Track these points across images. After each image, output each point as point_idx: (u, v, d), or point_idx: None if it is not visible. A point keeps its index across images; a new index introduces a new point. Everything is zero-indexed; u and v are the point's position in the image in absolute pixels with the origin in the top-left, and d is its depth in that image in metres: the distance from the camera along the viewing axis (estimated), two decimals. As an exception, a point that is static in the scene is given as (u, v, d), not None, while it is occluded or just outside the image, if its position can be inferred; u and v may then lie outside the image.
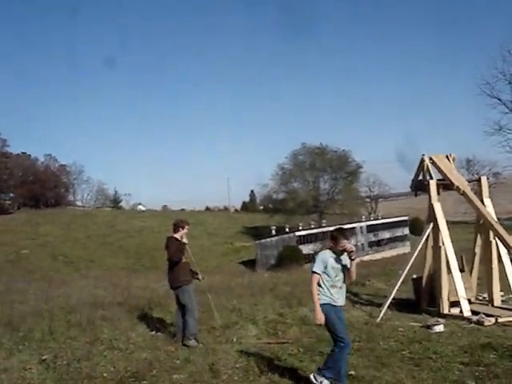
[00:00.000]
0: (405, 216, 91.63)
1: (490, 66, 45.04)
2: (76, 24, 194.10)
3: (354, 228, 78.59)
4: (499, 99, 44.90)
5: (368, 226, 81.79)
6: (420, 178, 13.08)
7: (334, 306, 6.84)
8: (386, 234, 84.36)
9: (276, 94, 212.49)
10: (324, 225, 77.82)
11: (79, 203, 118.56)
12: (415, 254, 12.54)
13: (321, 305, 6.75)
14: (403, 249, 77.29)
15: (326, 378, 6.71)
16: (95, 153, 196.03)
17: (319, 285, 6.80)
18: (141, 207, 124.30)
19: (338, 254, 6.87)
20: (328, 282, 6.80)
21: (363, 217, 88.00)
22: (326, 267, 6.80)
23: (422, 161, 12.90)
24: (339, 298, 6.91)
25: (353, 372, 7.28)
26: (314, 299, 6.76)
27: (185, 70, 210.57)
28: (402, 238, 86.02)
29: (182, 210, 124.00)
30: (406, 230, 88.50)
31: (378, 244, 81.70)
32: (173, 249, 9.70)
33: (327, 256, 6.88)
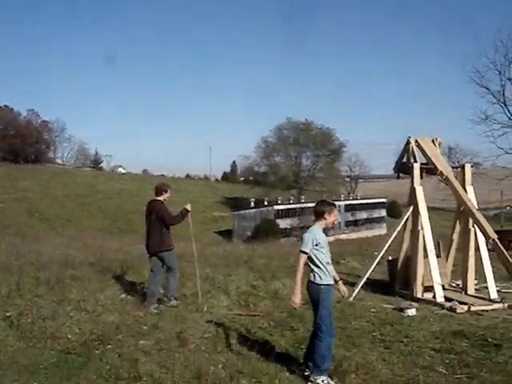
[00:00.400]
0: (383, 198, 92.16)
1: (481, 55, 44.83)
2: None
3: (333, 206, 78.87)
4: (488, 89, 44.82)
5: (346, 206, 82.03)
6: (404, 160, 12.96)
7: (331, 285, 6.41)
8: (364, 215, 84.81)
9: (266, 64, 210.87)
10: (303, 201, 77.94)
11: (59, 161, 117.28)
12: (393, 236, 12.48)
13: (323, 285, 6.25)
14: (379, 230, 77.84)
15: (325, 371, 6.26)
16: (78, 111, 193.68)
17: (316, 264, 6.25)
18: (121, 169, 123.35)
19: (325, 228, 6.52)
20: (324, 260, 6.28)
21: (342, 196, 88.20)
22: (318, 244, 6.27)
23: (408, 143, 12.75)
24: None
25: (323, 350, 7.17)
26: (296, 280, 6.19)
27: (172, 31, 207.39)
28: (379, 220, 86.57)
29: (163, 175, 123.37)
30: (384, 212, 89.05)
31: (355, 224, 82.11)
32: (167, 212, 9.79)
33: (318, 232, 6.36)
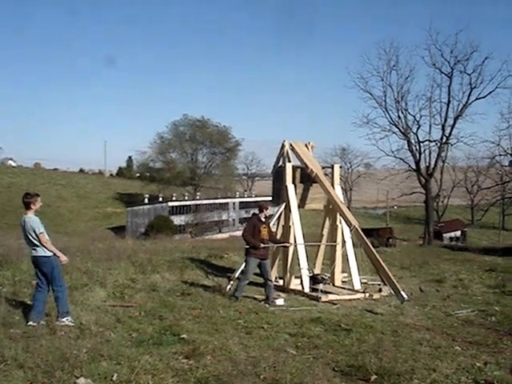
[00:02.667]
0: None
1: (365, 61, 47.53)
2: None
3: (227, 203, 79.89)
4: (371, 94, 47.16)
5: (241, 203, 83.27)
6: (280, 162, 13.77)
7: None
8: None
9: (165, 61, 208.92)
10: (198, 197, 78.41)
11: None
12: (266, 232, 13.20)
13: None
14: (273, 227, 79.48)
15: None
16: None
17: None
18: (11, 162, 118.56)
19: None
20: None
21: (237, 193, 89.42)
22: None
23: (283, 146, 13.59)
24: None
25: (185, 335, 7.67)
26: None
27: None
28: (272, 216, 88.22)
29: (55, 169, 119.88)
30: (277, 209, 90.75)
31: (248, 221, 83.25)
32: None
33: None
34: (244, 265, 11.70)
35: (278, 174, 13.62)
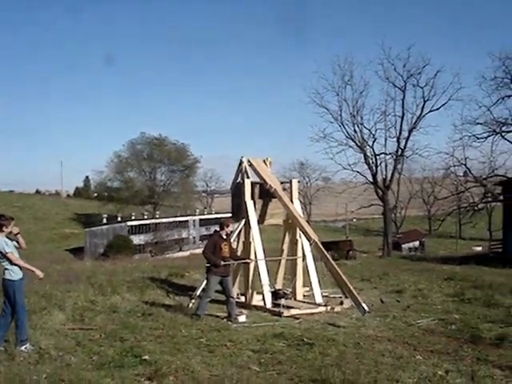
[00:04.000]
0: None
1: (321, 77, 48.41)
2: None
3: (187, 221, 79.51)
4: (327, 109, 47.87)
5: (201, 220, 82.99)
6: (238, 179, 13.80)
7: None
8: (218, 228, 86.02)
9: (118, 79, 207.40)
10: (157, 216, 77.84)
11: None
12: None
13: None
14: (234, 243, 79.30)
15: None
16: None
17: None
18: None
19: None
20: None
21: (197, 211, 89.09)
22: None
23: (241, 163, 13.64)
24: None
25: (147, 357, 7.57)
26: None
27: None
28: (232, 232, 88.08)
29: (11, 191, 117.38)
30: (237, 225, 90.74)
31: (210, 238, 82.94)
32: None
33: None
34: (205, 283, 11.63)
35: (237, 190, 13.63)
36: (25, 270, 8.27)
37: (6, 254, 8.03)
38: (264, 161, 14.04)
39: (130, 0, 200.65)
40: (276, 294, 12.71)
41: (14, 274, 8.13)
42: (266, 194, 13.43)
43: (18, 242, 8.42)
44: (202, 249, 11.59)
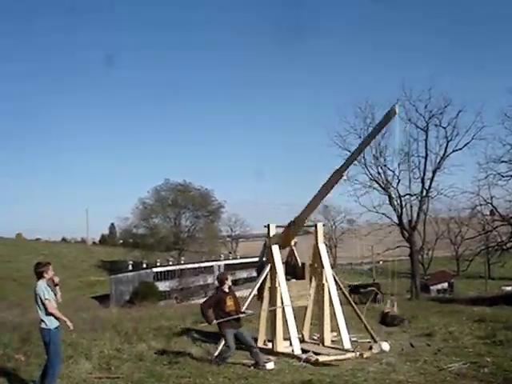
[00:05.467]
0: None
1: (342, 120, 48.55)
2: None
3: (212, 267, 79.34)
4: (349, 151, 47.83)
5: (226, 266, 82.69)
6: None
7: None
8: (244, 274, 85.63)
9: (142, 127, 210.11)
10: (182, 262, 77.86)
11: None
12: (252, 294, 13.13)
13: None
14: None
15: None
16: None
17: None
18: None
19: None
20: None
21: (222, 256, 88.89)
22: None
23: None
24: None
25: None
26: None
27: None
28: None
29: (38, 239, 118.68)
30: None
31: (234, 283, 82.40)
32: None
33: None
34: (223, 338, 11.44)
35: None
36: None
37: (43, 301, 8.10)
38: (290, 224, 13.65)
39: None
40: (303, 340, 12.55)
41: (50, 322, 8.20)
42: (292, 273, 13.43)
43: (55, 295, 8.52)
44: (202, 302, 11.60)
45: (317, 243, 13.36)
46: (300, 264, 13.55)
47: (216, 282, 12.03)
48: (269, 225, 13.23)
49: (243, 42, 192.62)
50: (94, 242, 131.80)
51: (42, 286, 8.20)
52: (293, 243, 13.80)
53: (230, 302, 11.16)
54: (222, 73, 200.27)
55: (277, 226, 13.41)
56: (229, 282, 11.48)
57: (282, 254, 13.30)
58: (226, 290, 11.33)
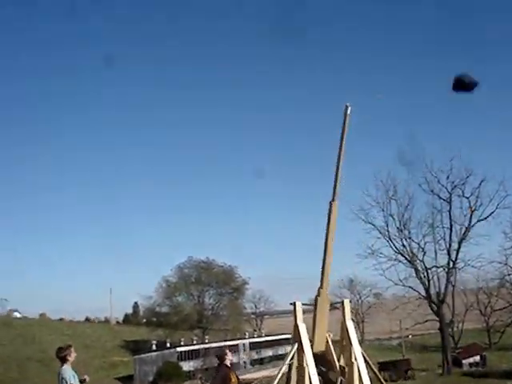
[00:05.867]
0: (288, 334, 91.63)
1: (364, 193, 48.52)
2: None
3: (237, 345, 77.99)
4: (373, 224, 47.71)
5: (251, 344, 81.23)
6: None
7: None
8: (269, 352, 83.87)
9: (161, 206, 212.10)
10: (207, 341, 76.70)
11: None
12: (280, 375, 12.79)
13: None
14: (286, 367, 76.84)
15: None
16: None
17: None
18: (17, 314, 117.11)
19: None
20: None
21: (247, 333, 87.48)
22: None
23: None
24: None
25: None
26: None
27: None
28: (285, 356, 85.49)
29: (61, 319, 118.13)
30: (289, 348, 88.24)
31: (260, 362, 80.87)
32: None
33: None
34: None
35: None
36: None
37: None
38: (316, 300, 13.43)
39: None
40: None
41: None
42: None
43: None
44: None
45: (344, 320, 13.08)
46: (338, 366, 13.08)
47: (216, 360, 11.68)
48: (295, 303, 13.00)
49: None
50: (117, 322, 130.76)
51: (68, 371, 8.05)
52: (328, 335, 13.48)
53: (233, 378, 10.87)
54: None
55: (303, 304, 13.18)
56: (230, 357, 11.19)
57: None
58: (229, 365, 11.09)
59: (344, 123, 11.75)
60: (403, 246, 47.37)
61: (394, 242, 47.55)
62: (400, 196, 48.50)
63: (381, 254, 47.41)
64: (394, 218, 47.70)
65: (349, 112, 11.58)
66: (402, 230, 47.52)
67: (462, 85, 6.18)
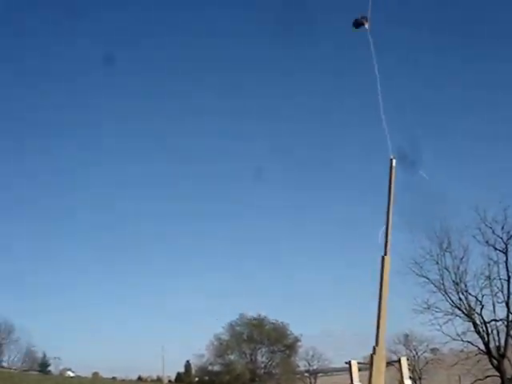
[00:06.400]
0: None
1: (417, 246, 47.83)
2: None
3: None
4: (428, 278, 46.87)
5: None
6: None
7: None
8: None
9: (216, 263, 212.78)
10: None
11: (5, 364, 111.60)
12: None
13: None
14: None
15: None
16: (26, 313, 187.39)
17: None
18: (70, 373, 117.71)
19: None
20: None
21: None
22: None
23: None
24: None
25: None
26: None
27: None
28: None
29: (113, 378, 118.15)
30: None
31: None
32: None
33: None
34: None
35: None
36: None
37: None
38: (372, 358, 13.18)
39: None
40: None
41: None
42: None
43: None
44: None
45: (402, 380, 12.71)
46: None
47: None
48: (350, 361, 12.74)
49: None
50: (169, 380, 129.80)
51: None
52: None
53: None
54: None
55: (358, 363, 12.90)
56: None
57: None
58: None
59: (390, 177, 11.75)
60: (460, 299, 46.39)
61: (450, 295, 46.62)
62: (454, 248, 47.62)
63: (437, 308, 46.42)
64: (449, 271, 46.89)
65: (394, 165, 11.60)
66: (457, 283, 46.58)
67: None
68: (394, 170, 11.79)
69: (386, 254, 12.18)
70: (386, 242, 12.05)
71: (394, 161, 11.76)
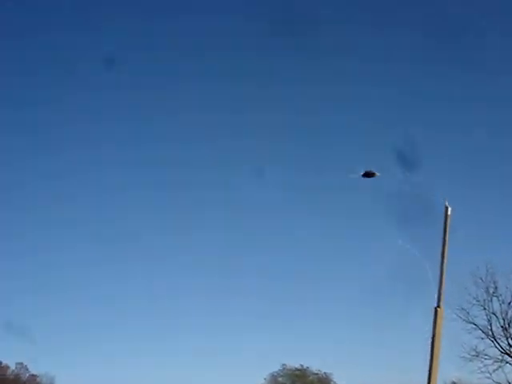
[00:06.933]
0: None
1: (463, 292, 46.57)
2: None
3: None
4: (475, 324, 45.59)
5: None
6: None
7: None
8: None
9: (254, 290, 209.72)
10: None
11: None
12: None
13: None
14: None
15: None
16: (66, 363, 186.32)
17: None
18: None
19: None
20: None
21: None
22: None
23: None
24: None
25: None
26: None
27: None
28: None
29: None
30: None
31: None
32: None
33: None
34: None
35: None
36: None
37: None
38: None
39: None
40: None
41: None
42: None
43: None
44: None
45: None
46: None
47: None
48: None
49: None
50: None
51: None
52: None
53: None
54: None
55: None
56: None
57: None
58: None
59: (445, 225, 11.56)
60: (509, 345, 44.89)
61: (499, 341, 45.15)
62: (501, 292, 46.35)
63: (486, 355, 44.96)
64: (497, 317, 45.50)
65: (449, 213, 11.39)
66: (506, 329, 45.14)
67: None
68: (449, 219, 11.61)
69: (439, 306, 11.93)
70: (440, 293, 11.81)
71: (449, 209, 11.59)
